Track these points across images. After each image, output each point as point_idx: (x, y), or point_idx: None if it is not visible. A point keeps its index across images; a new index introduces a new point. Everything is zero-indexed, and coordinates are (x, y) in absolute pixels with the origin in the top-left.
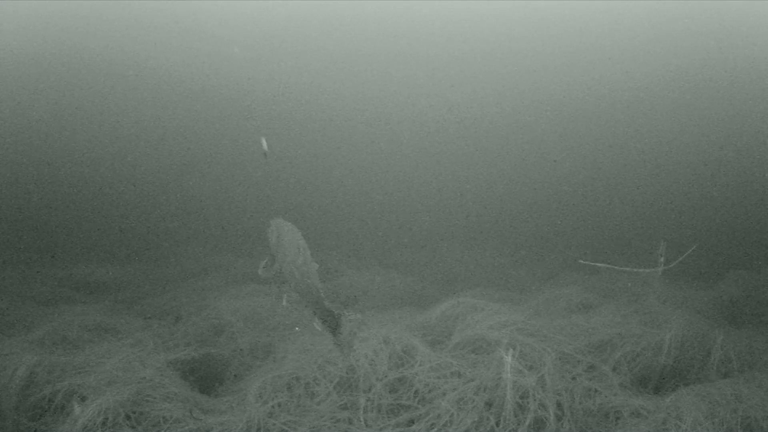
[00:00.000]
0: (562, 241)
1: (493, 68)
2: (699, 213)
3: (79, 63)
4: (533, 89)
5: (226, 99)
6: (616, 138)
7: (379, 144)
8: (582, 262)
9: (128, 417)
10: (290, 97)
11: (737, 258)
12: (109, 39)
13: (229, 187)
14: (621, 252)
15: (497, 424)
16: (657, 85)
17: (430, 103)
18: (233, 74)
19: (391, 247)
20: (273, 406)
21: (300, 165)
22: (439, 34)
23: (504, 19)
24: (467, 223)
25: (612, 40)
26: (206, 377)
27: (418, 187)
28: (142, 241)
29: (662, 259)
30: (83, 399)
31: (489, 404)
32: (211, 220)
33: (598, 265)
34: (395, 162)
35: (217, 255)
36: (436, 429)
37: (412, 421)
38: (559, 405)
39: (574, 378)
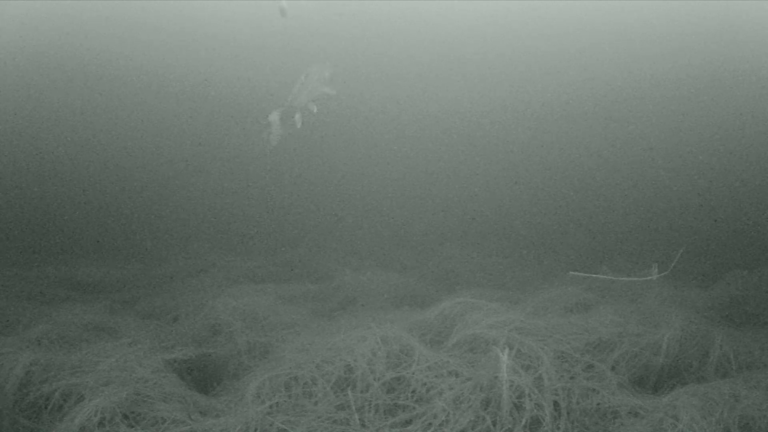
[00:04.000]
0: (562, 241)
1: (494, 68)
2: (698, 213)
3: (79, 62)
4: (534, 90)
5: (227, 99)
6: (617, 138)
7: (378, 143)
8: (573, 273)
9: (125, 417)
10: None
11: (736, 258)
12: (110, 39)
13: (228, 187)
14: (621, 251)
15: (494, 424)
16: (657, 86)
17: (430, 102)
18: (235, 74)
19: (390, 247)
20: (271, 406)
21: (299, 165)
22: (438, 33)
23: (505, 20)
24: (466, 223)
25: (611, 42)
26: (204, 377)
27: (417, 186)
28: (140, 241)
29: (655, 269)
30: (80, 398)
31: (486, 403)
32: (211, 220)
33: (591, 275)
34: (394, 161)
35: (215, 255)
36: (432, 428)
37: (409, 421)
38: (556, 404)
39: (572, 377)
